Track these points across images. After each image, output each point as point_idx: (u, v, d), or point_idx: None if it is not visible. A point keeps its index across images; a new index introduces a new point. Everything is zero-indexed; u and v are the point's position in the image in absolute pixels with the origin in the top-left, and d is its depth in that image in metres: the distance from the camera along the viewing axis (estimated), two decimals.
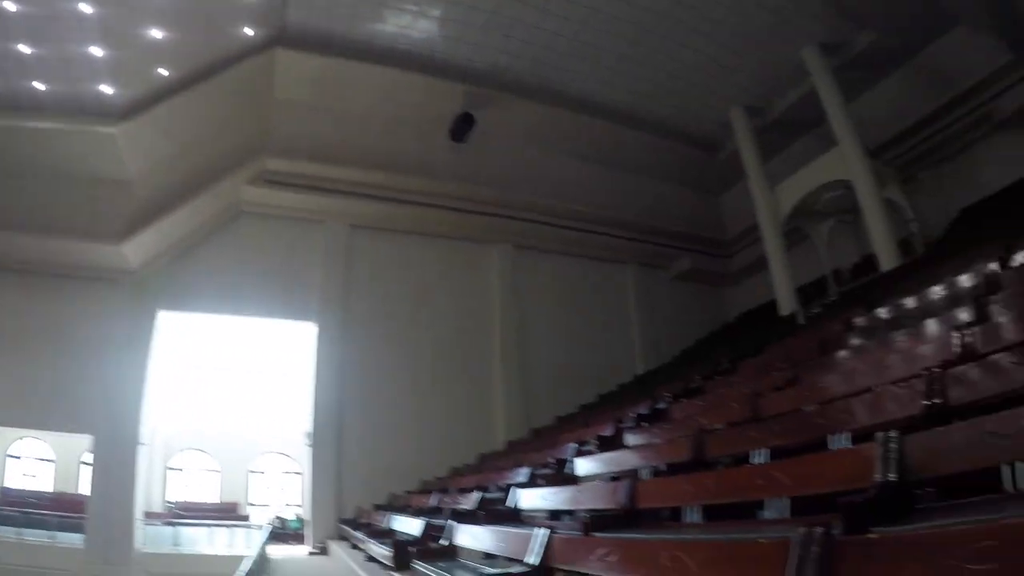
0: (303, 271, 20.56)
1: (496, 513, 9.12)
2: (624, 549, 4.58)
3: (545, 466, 10.79)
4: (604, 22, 19.16)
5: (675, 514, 6.57)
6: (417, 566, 7.74)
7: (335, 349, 20.07)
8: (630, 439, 9.70)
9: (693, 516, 6.20)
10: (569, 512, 8.08)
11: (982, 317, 6.86)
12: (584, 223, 24.65)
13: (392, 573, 8.97)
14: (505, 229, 23.58)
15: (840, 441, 5.78)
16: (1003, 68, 19.13)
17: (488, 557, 7.55)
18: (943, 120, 21.02)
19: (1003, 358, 5.08)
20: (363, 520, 15.71)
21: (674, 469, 7.32)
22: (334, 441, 19.20)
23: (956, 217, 21.28)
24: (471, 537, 7.75)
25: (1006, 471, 4.01)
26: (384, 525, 12.80)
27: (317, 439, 19.36)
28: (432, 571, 7.13)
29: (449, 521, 8.70)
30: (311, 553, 17.40)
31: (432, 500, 12.97)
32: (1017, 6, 15.82)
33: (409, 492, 16.90)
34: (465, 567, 7.31)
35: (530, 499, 8.89)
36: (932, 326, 7.50)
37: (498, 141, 21.98)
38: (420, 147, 21.37)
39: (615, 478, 7.98)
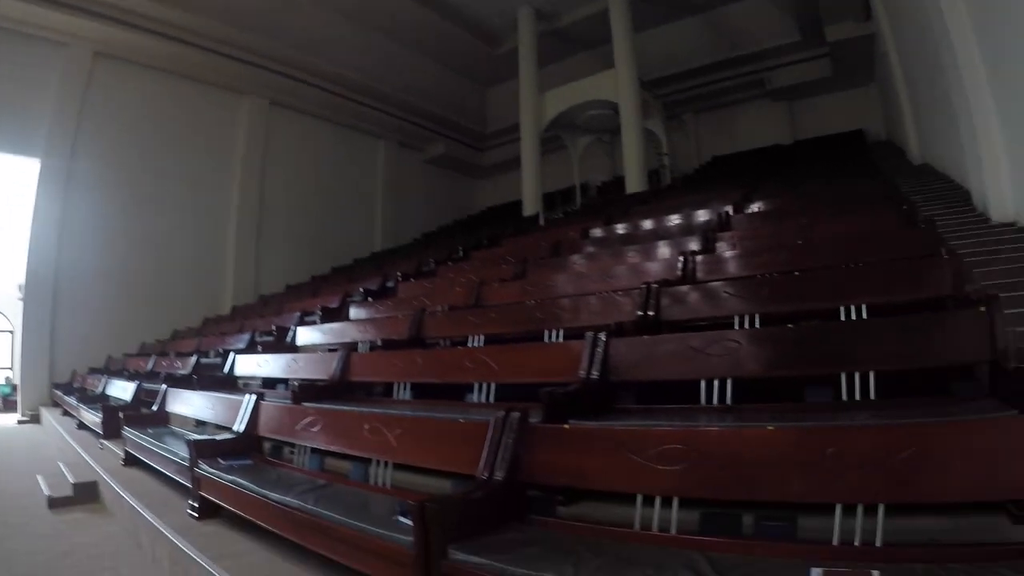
0: (33, 99, 16.70)
1: (212, 379, 8.78)
2: (327, 419, 4.59)
3: (268, 334, 10.50)
4: None
5: (389, 390, 6.54)
6: (127, 433, 7.29)
7: (58, 191, 16.99)
8: (354, 313, 9.60)
9: (404, 393, 6.19)
10: (285, 381, 7.94)
11: (708, 249, 7.22)
12: (346, 89, 23.46)
13: (102, 441, 8.51)
14: (262, 81, 21.36)
15: (555, 336, 5.92)
16: (787, 46, 20.75)
17: (201, 424, 7.27)
18: (719, 74, 22.48)
19: (719, 287, 5.38)
20: (77, 385, 14.62)
21: (392, 346, 7.25)
22: (50, 295, 16.50)
23: (707, 162, 22.73)
24: (183, 403, 7.46)
25: (705, 386, 4.22)
26: (98, 390, 11.98)
27: (30, 292, 16.53)
28: (141, 438, 6.77)
29: (163, 386, 8.29)
30: (20, 421, 15.53)
31: (149, 364, 12.31)
32: None
33: (127, 355, 15.66)
34: (175, 434, 6.98)
35: (246, 366, 8.66)
36: (662, 248, 7.83)
37: None
38: None
39: (334, 350, 7.83)
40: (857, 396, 3.86)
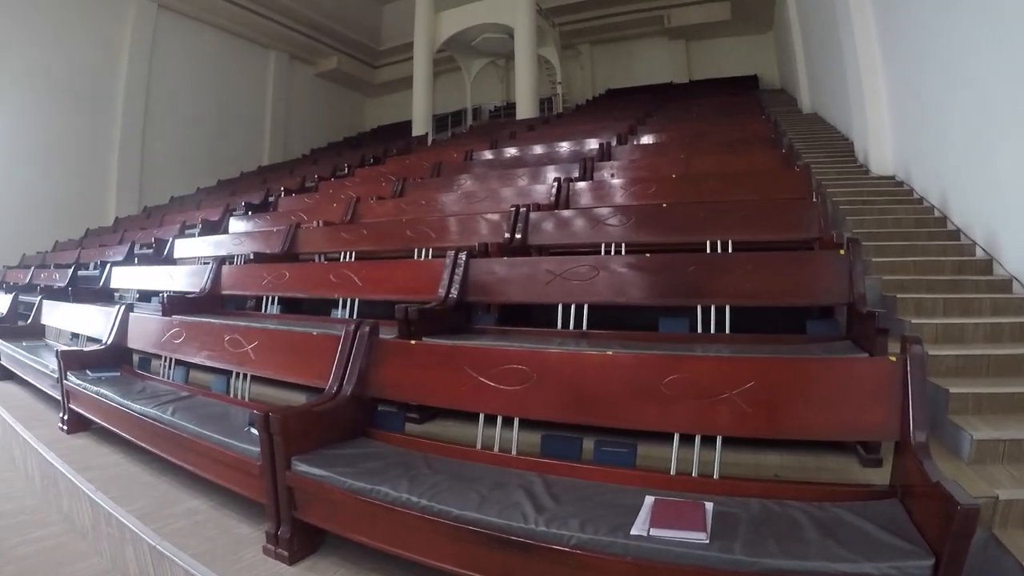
0: None
1: (87, 291, 8.58)
2: (191, 331, 4.59)
3: (148, 246, 10.19)
4: None
5: (260, 305, 6.47)
6: (1, 346, 7.13)
7: None
8: (233, 226, 9.35)
9: (273, 308, 6.18)
10: (161, 294, 7.75)
11: (586, 177, 7.25)
12: None
13: None
14: None
15: (425, 255, 5.90)
16: None
17: (76, 337, 7.07)
18: (619, 8, 22.33)
19: (589, 214, 5.41)
20: None
21: (264, 260, 7.11)
22: None
23: (601, 94, 22.69)
24: (58, 315, 7.28)
25: (562, 311, 4.29)
26: None
27: None
28: (14, 351, 6.66)
29: (38, 298, 8.04)
30: None
31: (28, 276, 11.72)
32: None
33: (7, 267, 14.83)
34: (49, 347, 6.86)
35: (123, 278, 8.45)
36: (542, 174, 7.83)
37: None
38: None
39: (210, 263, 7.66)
40: (712, 330, 3.90)
